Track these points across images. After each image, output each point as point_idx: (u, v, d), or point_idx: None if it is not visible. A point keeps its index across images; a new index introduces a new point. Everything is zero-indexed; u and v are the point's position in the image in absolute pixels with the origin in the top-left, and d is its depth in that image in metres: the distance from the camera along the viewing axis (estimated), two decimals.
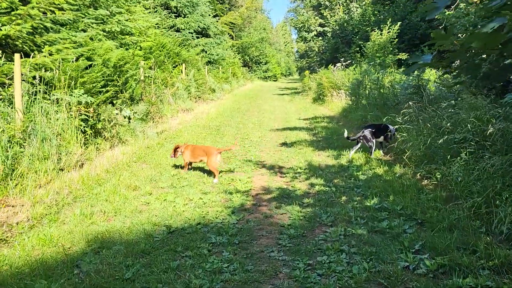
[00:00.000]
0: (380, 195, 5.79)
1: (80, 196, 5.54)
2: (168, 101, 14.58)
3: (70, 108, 7.45)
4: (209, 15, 28.46)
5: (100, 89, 9.02)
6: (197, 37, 26.52)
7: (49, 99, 7.47)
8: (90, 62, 10.04)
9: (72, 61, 8.36)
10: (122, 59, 10.59)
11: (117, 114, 9.76)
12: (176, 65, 17.81)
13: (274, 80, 58.70)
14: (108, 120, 8.53)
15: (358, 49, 28.67)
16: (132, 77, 11.31)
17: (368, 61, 22.46)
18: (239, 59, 43.27)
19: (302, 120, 14.80)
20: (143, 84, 12.04)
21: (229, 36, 46.52)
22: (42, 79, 7.84)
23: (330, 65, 23.57)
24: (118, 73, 10.85)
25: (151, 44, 15.90)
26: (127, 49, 14.51)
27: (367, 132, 8.38)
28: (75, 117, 7.30)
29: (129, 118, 9.73)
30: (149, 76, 13.56)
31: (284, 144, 10.25)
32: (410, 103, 8.05)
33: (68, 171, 6.47)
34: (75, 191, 5.64)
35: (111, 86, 10.15)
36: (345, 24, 32.02)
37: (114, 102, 10.30)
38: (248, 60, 53.74)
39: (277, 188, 6.36)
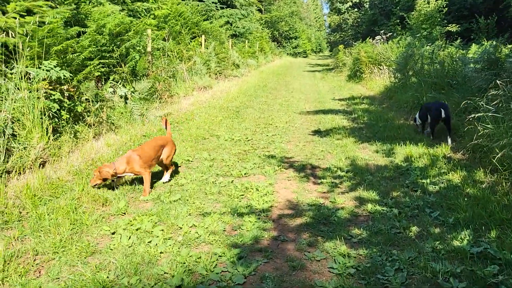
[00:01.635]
0: (471, 224, 3.72)
1: (16, 218, 3.71)
2: (183, 77, 12.67)
3: (34, 86, 5.62)
4: None
5: (85, 62, 7.15)
6: (222, 8, 24.32)
7: (11, 73, 5.67)
8: (81, 29, 8.22)
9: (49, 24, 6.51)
10: (120, 24, 8.67)
11: (112, 92, 7.93)
12: (195, 37, 15.81)
13: (304, 57, 55.93)
14: (93, 100, 6.68)
15: (398, 21, 25.90)
16: (135, 48, 9.41)
17: (412, 33, 19.84)
18: (267, 33, 40.77)
19: (337, 101, 12.63)
20: (150, 57, 10.13)
21: (258, 9, 43.99)
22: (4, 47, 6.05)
23: (368, 38, 21.04)
24: (118, 42, 8.99)
25: (166, 12, 13.95)
26: (139, 17, 12.70)
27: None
28: (40, 97, 5.46)
29: (126, 98, 7.87)
30: (160, 48, 11.65)
31: (317, 132, 8.20)
32: (498, 82, 5.80)
33: (20, 174, 4.67)
34: (10, 209, 3.82)
35: (106, 58, 8.29)
36: None
37: (111, 77, 8.46)
38: (277, 35, 51.20)
39: (310, 204, 4.38)
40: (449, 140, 6.74)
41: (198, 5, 21.41)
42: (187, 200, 4.35)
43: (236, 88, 14.55)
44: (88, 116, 6.52)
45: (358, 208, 4.28)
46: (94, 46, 7.99)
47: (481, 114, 5.60)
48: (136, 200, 4.36)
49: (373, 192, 4.66)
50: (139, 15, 12.72)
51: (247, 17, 28.46)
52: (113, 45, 8.47)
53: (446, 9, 19.76)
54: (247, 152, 6.50)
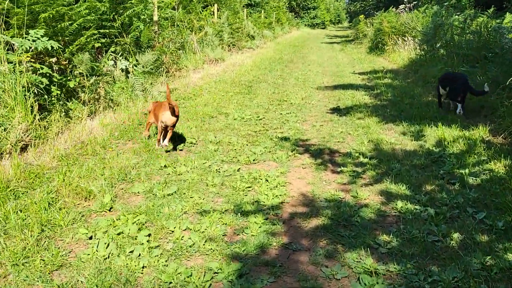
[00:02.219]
0: None
1: None
2: (193, 49, 11.93)
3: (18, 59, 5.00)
4: None
5: (82, 32, 6.49)
6: None
7: None
8: None
9: None
10: None
11: (114, 66, 7.29)
12: (207, 6, 14.94)
13: (322, 28, 54.28)
14: (88, 75, 6.05)
15: None
16: (140, 17, 8.69)
17: (439, 2, 18.53)
18: (285, 3, 39.33)
19: (358, 75, 11.76)
20: (156, 27, 9.41)
21: None
22: None
23: (391, 8, 19.78)
24: (121, 10, 8.27)
25: None
26: None
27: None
28: (23, 72, 4.85)
29: (127, 72, 7.22)
30: (168, 17, 10.89)
31: (336, 110, 7.46)
32: None
33: None
34: None
35: (106, 27, 7.61)
36: None
37: (112, 49, 7.81)
38: (295, 5, 49.67)
39: (328, 199, 3.72)
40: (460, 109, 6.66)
41: None
42: (184, 193, 3.72)
43: (249, 61, 13.77)
44: (82, 92, 5.91)
45: (385, 206, 3.61)
46: (93, 14, 7.32)
47: None
48: (125, 193, 3.76)
49: (402, 185, 3.97)
50: None
51: None
52: (114, 13, 7.77)
53: None
54: (258, 134, 5.83)
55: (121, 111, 6.24)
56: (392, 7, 19.86)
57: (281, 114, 7.05)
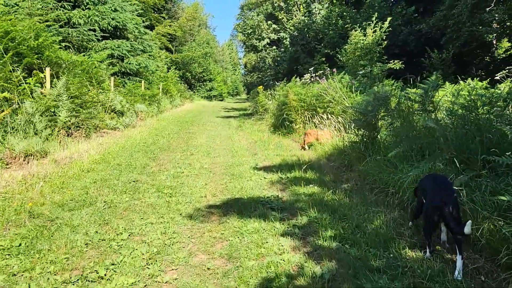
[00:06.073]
0: None
1: None
2: None
3: None
4: (128, 11, 20.60)
5: None
6: (105, 38, 18.65)
7: None
8: None
9: None
10: None
11: None
12: (31, 69, 9.91)
13: (220, 100, 51.82)
14: None
15: (324, 59, 22.19)
16: None
17: (346, 71, 15.76)
18: (176, 74, 35.69)
19: (263, 174, 7.45)
20: None
21: (165, 49, 39.18)
22: None
23: (294, 78, 16.59)
24: None
25: None
26: None
27: None
28: None
29: None
30: None
31: None
32: None
33: None
34: None
35: None
36: (306, 29, 25.52)
37: None
38: (190, 77, 46.53)
39: None
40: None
41: (69, 32, 15.61)
42: None
43: (96, 153, 8.82)
44: None
45: None
46: None
47: None
48: None
49: None
50: None
51: (145, 52, 23.04)
52: None
53: (385, 42, 16.00)
54: None
55: None
56: (296, 77, 16.70)
57: None
